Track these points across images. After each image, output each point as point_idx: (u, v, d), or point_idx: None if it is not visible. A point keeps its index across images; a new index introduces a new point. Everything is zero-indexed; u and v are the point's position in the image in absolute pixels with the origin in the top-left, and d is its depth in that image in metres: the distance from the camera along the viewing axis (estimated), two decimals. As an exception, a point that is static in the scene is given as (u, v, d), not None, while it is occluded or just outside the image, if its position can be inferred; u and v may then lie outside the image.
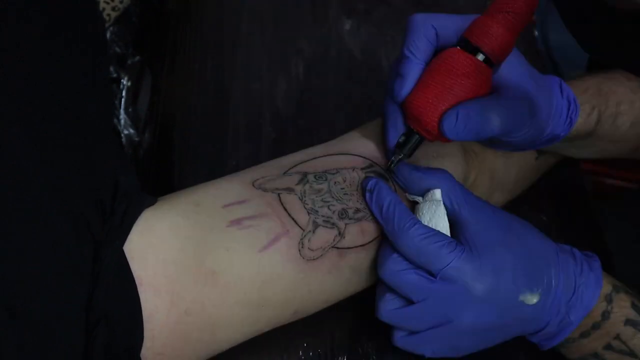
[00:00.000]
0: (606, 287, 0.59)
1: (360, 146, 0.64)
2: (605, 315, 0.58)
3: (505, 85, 0.59)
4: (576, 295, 0.58)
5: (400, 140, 0.60)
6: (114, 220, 0.55)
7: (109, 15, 0.90)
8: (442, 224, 0.58)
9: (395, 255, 0.57)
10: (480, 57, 0.56)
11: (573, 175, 0.81)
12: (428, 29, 0.58)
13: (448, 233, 0.58)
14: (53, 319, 0.51)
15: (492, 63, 0.57)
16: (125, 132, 0.86)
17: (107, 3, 0.89)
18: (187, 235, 0.56)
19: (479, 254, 0.56)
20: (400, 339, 0.59)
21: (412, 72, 0.58)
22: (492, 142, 0.63)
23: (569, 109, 0.63)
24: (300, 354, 0.63)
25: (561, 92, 0.63)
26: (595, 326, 0.58)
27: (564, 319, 0.58)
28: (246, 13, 0.86)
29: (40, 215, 0.52)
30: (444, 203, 0.58)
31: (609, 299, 0.59)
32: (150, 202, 0.57)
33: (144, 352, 0.54)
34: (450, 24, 0.58)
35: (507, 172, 0.71)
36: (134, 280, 0.53)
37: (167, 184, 0.77)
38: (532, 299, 0.56)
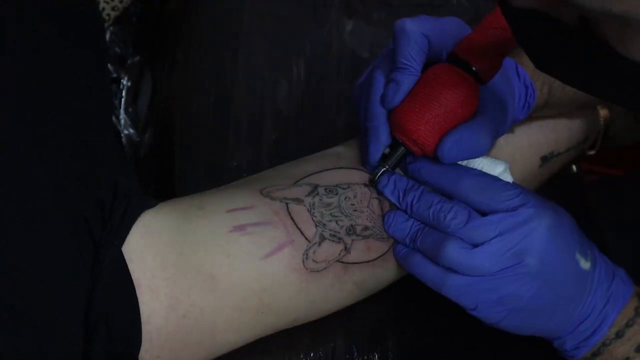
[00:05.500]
0: (635, 286, 0.60)
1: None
2: (638, 311, 0.59)
3: (486, 96, 0.59)
4: (615, 284, 0.58)
5: (385, 152, 0.59)
6: (113, 220, 0.55)
7: (109, 15, 0.90)
8: None
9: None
10: (470, 73, 0.56)
11: (573, 176, 0.81)
12: (420, 38, 0.57)
13: None
14: (53, 320, 0.51)
15: (480, 79, 0.57)
16: (125, 132, 0.86)
17: (107, 3, 0.89)
18: (187, 238, 0.56)
19: (543, 201, 0.57)
20: (455, 281, 0.56)
21: (408, 81, 0.57)
22: None
23: (526, 94, 0.63)
24: (301, 356, 0.63)
25: (518, 76, 0.63)
26: (629, 324, 0.58)
27: (605, 308, 0.58)
28: (247, 13, 0.86)
29: (40, 215, 0.52)
30: None
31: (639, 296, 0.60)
32: (151, 204, 0.57)
33: (143, 354, 0.54)
34: (439, 31, 0.58)
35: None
36: (132, 282, 0.53)
37: (167, 184, 0.77)
38: (585, 264, 0.57)
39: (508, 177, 0.60)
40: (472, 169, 0.59)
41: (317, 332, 0.63)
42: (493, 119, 0.58)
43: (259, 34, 0.85)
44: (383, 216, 0.59)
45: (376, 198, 0.60)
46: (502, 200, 0.56)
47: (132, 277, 0.53)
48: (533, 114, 0.67)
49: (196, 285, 0.55)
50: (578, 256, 0.57)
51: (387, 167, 0.59)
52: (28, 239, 0.51)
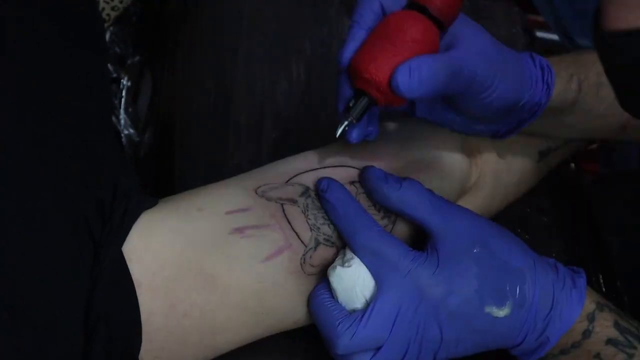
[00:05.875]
0: (589, 305, 0.58)
1: (355, 156, 0.63)
2: (586, 334, 0.57)
3: (459, 41, 0.56)
4: (554, 311, 0.56)
5: (349, 104, 0.56)
6: (113, 220, 0.55)
7: (108, 15, 0.90)
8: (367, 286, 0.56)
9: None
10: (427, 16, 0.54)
11: (573, 176, 0.81)
12: (372, 1, 0.56)
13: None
14: (53, 320, 0.51)
15: (440, 24, 0.54)
16: (125, 132, 0.86)
17: (107, 3, 0.89)
18: (187, 238, 0.56)
19: (441, 261, 0.55)
20: None
21: (356, 36, 0.56)
22: (469, 116, 0.61)
23: (543, 75, 0.61)
24: (301, 356, 0.63)
25: (533, 61, 0.61)
26: (575, 345, 0.57)
27: (541, 336, 0.57)
28: (247, 13, 0.86)
29: (40, 215, 0.52)
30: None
31: (590, 318, 0.57)
32: (151, 204, 0.57)
33: (142, 354, 0.54)
34: None
35: (509, 173, 0.71)
36: (132, 282, 0.53)
37: (167, 184, 0.77)
38: (500, 312, 0.55)
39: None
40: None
41: (317, 332, 0.63)
42: (462, 57, 0.55)
43: (259, 34, 0.85)
44: (373, 206, 0.59)
45: (363, 193, 0.60)
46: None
47: (133, 277, 0.53)
48: (566, 116, 0.65)
49: (196, 286, 0.55)
50: (488, 309, 0.55)
51: (351, 118, 0.56)
52: (28, 239, 0.51)
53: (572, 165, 0.81)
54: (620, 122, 0.68)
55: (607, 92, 0.64)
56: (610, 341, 0.57)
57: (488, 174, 0.69)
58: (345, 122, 0.56)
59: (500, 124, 0.63)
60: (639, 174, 0.98)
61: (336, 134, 0.56)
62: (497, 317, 0.55)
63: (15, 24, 0.57)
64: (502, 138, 0.65)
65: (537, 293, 0.56)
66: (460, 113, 0.61)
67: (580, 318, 0.57)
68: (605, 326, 0.57)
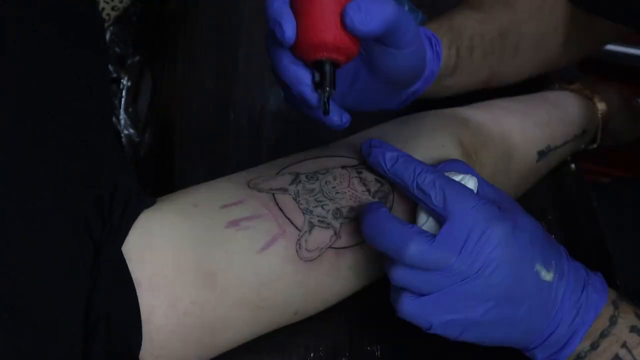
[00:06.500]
0: (611, 292, 0.58)
1: (350, 148, 0.64)
2: (613, 320, 0.57)
3: None
4: (585, 294, 0.56)
5: (316, 80, 0.55)
6: (112, 220, 0.55)
7: (108, 15, 0.90)
8: None
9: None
10: None
11: (574, 177, 0.81)
12: None
13: None
14: (53, 320, 0.51)
15: None
16: (125, 132, 0.86)
17: (107, 3, 0.89)
18: (185, 236, 0.56)
19: (502, 210, 0.55)
20: (408, 303, 0.54)
21: (285, 11, 0.54)
22: (387, 77, 0.60)
23: (432, 44, 0.64)
24: (301, 354, 0.63)
25: (425, 32, 0.64)
26: (604, 334, 0.57)
27: (575, 320, 0.56)
28: (246, 13, 0.86)
29: (40, 215, 0.52)
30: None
31: (615, 305, 0.57)
32: (150, 203, 0.57)
33: (143, 353, 0.54)
34: None
35: (508, 175, 0.71)
36: (132, 282, 0.53)
37: (167, 184, 0.77)
38: (547, 275, 0.55)
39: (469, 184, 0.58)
40: (431, 166, 0.58)
41: (317, 329, 0.63)
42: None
43: (259, 34, 0.85)
44: (367, 191, 0.59)
45: (356, 177, 0.60)
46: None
47: (132, 277, 0.53)
48: (446, 79, 0.68)
49: (196, 283, 0.55)
50: (538, 267, 0.55)
51: (328, 89, 0.55)
52: (28, 239, 0.51)
53: (572, 165, 0.81)
54: (484, 78, 0.73)
55: (477, 54, 0.70)
56: (634, 328, 0.57)
57: (486, 175, 0.69)
58: (326, 95, 0.55)
59: (401, 95, 0.64)
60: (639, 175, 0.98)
61: (325, 109, 0.56)
62: (543, 280, 0.55)
63: (15, 24, 0.57)
64: (396, 109, 0.66)
65: (572, 270, 0.57)
66: (379, 75, 0.60)
67: (607, 303, 0.57)
68: (628, 312, 0.57)
